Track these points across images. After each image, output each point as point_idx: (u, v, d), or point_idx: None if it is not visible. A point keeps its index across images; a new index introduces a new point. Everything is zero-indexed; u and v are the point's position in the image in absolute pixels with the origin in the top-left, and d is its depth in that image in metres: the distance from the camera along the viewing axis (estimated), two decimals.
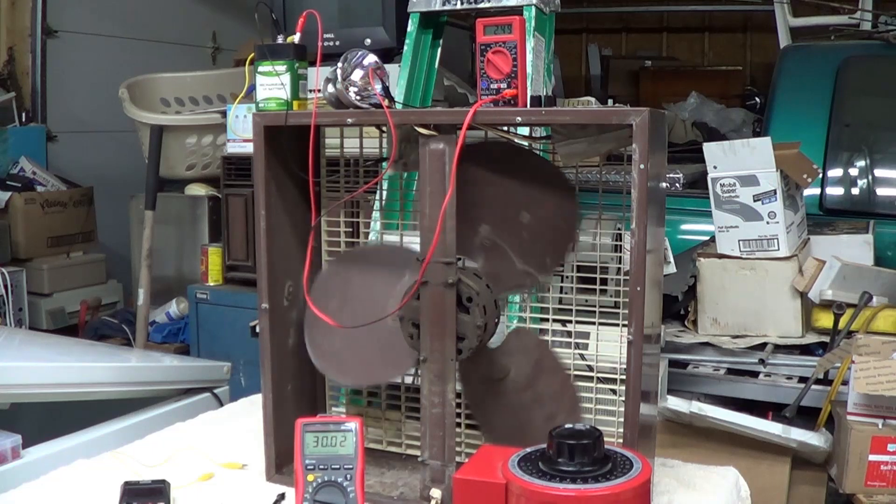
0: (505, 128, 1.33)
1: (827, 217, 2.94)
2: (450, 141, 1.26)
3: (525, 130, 1.40)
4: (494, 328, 1.33)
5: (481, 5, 1.76)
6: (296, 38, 1.41)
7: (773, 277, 2.37)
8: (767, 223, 2.37)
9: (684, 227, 3.01)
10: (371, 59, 1.35)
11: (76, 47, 4.11)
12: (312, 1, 1.83)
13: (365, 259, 1.46)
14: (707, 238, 2.65)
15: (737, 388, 2.31)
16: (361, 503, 1.23)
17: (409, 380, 1.50)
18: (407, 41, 1.85)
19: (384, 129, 1.44)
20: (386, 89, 1.34)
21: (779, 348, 2.35)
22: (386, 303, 1.37)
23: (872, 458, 1.97)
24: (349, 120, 1.34)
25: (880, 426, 1.99)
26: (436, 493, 1.31)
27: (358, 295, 1.42)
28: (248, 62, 1.45)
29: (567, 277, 1.44)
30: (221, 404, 2.14)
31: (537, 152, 1.36)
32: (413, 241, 1.36)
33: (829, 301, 2.28)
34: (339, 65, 1.34)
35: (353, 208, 1.55)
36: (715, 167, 2.43)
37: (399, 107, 1.46)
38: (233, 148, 3.04)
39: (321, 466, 1.23)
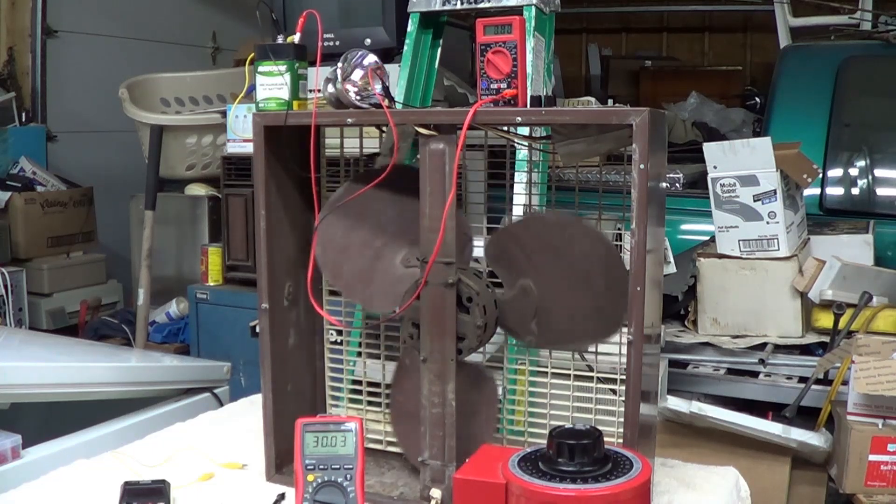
0: (505, 128, 1.33)
1: (827, 217, 2.94)
2: (450, 141, 1.26)
3: (525, 130, 1.40)
4: (494, 328, 1.33)
5: (481, 5, 1.76)
6: (296, 38, 1.41)
7: (773, 277, 2.37)
8: (767, 223, 2.37)
9: (684, 227, 3.01)
10: (371, 59, 1.35)
11: (76, 47, 4.11)
12: (312, 1, 1.83)
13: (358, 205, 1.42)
14: (707, 238, 2.65)
15: (737, 388, 2.31)
16: (361, 503, 1.23)
17: None
18: (407, 41, 1.85)
19: (384, 129, 1.44)
20: (386, 89, 1.34)
21: (779, 348, 2.35)
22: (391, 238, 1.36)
23: (872, 458, 1.97)
24: (349, 120, 1.35)
25: (880, 426, 1.99)
26: (436, 493, 1.31)
27: (361, 240, 1.41)
28: (248, 62, 1.45)
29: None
30: (221, 404, 2.14)
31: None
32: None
33: (829, 301, 2.28)
34: (339, 65, 1.34)
35: None
36: (715, 167, 2.43)
37: (399, 107, 1.46)
38: (233, 148, 3.03)
39: (321, 466, 1.23)
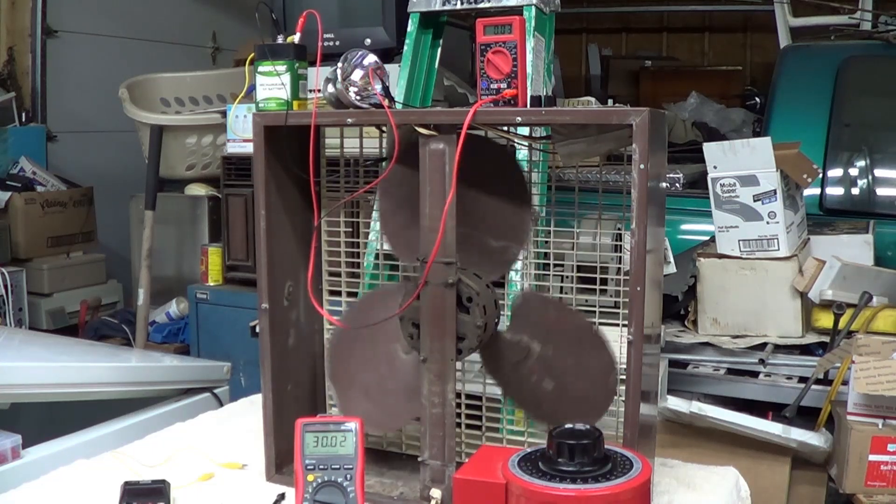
0: (505, 128, 1.33)
1: (827, 217, 2.94)
2: (450, 141, 1.26)
3: (525, 130, 1.40)
4: (494, 328, 1.33)
5: (481, 5, 1.76)
6: (296, 38, 1.41)
7: (773, 277, 2.37)
8: (767, 223, 2.37)
9: (684, 227, 3.01)
10: (371, 59, 1.35)
11: (76, 47, 4.11)
12: (312, 1, 1.83)
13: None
14: (707, 238, 2.65)
15: (737, 388, 2.31)
16: (361, 503, 1.23)
17: None
18: (407, 41, 1.85)
19: (384, 129, 1.44)
20: (386, 89, 1.34)
21: (779, 348, 2.35)
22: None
23: (872, 458, 1.97)
24: (349, 120, 1.34)
25: (880, 426, 1.99)
26: (436, 493, 1.31)
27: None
28: (248, 62, 1.45)
29: (567, 277, 1.44)
30: (221, 404, 2.14)
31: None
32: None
33: (829, 301, 2.28)
34: (339, 65, 1.34)
35: (354, 208, 1.55)
36: (715, 167, 2.43)
37: (399, 107, 1.46)
38: (233, 148, 3.03)
39: (321, 466, 1.23)
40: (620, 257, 1.38)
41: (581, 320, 1.33)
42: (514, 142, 1.42)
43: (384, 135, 1.46)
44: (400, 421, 1.46)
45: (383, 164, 1.50)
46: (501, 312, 1.35)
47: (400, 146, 1.29)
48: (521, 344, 1.34)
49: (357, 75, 1.33)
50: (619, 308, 1.34)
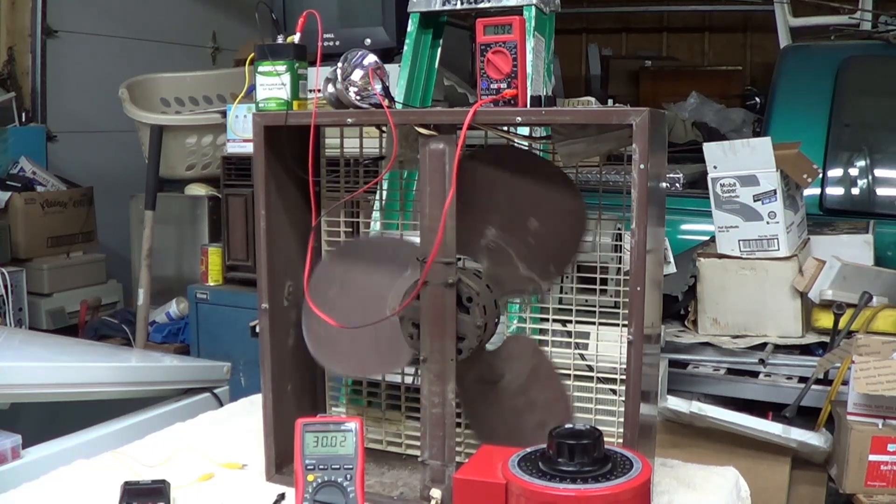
0: (505, 128, 1.33)
1: (827, 217, 2.94)
2: (450, 141, 1.26)
3: (525, 130, 1.40)
4: (494, 328, 1.33)
5: (481, 5, 1.76)
6: (296, 38, 1.41)
7: (773, 277, 2.37)
8: (767, 223, 2.37)
9: (684, 227, 3.01)
10: (371, 59, 1.35)
11: (76, 47, 4.11)
12: (312, 1, 1.83)
13: (367, 249, 1.46)
14: (707, 238, 2.65)
15: (737, 388, 2.30)
16: (361, 503, 1.23)
17: (409, 380, 1.50)
18: (407, 41, 1.85)
19: (384, 129, 1.44)
20: (386, 89, 1.34)
21: (779, 348, 2.35)
22: (386, 295, 1.37)
23: (872, 458, 1.97)
24: (349, 120, 1.35)
25: (880, 426, 1.99)
26: (436, 493, 1.31)
27: (358, 285, 1.41)
28: (248, 62, 1.45)
29: (567, 277, 1.44)
30: (221, 404, 2.14)
31: (549, 158, 1.35)
32: (413, 239, 1.35)
33: (829, 301, 2.28)
34: (339, 65, 1.34)
35: (353, 208, 1.55)
36: (715, 167, 2.43)
37: (399, 107, 1.46)
38: (233, 148, 3.04)
39: (321, 466, 1.23)
40: (620, 257, 1.39)
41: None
42: (514, 142, 1.42)
43: (384, 135, 1.46)
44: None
45: (381, 162, 1.50)
46: (501, 313, 1.35)
47: None
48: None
49: (357, 75, 1.33)
50: (619, 308, 1.34)
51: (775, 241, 2.38)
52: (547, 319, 1.41)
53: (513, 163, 1.32)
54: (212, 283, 3.12)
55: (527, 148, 1.36)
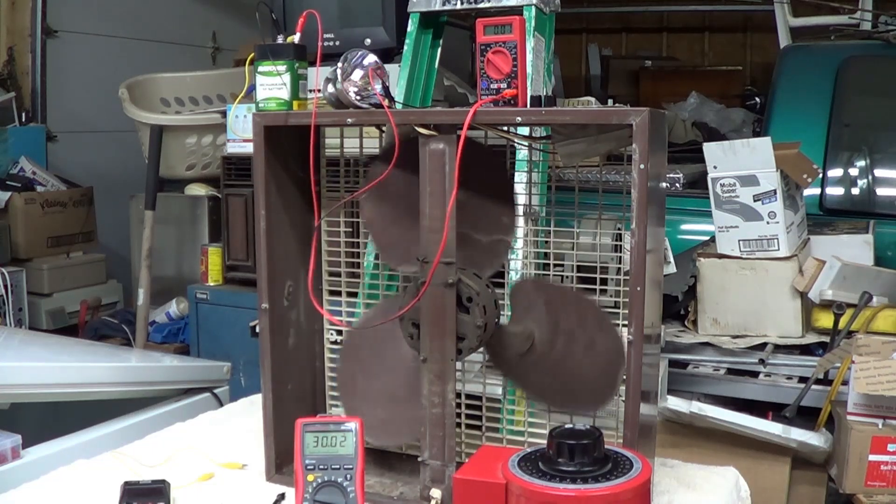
0: (505, 128, 1.33)
1: (827, 217, 2.94)
2: (450, 141, 1.26)
3: (525, 130, 1.40)
4: (495, 328, 1.33)
5: (481, 5, 1.76)
6: (296, 38, 1.41)
7: (773, 277, 2.37)
8: (767, 223, 2.37)
9: (684, 227, 3.01)
10: (371, 59, 1.35)
11: (76, 47, 4.11)
12: (312, 1, 1.83)
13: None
14: (707, 238, 2.65)
15: (737, 388, 2.31)
16: (361, 503, 1.23)
17: None
18: (407, 41, 1.85)
19: (384, 129, 1.44)
20: (386, 89, 1.34)
21: (779, 348, 2.35)
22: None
23: (872, 458, 1.97)
24: (349, 120, 1.35)
25: (880, 426, 1.99)
26: (436, 493, 1.31)
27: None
28: (248, 62, 1.45)
29: (567, 277, 1.44)
30: (221, 404, 2.14)
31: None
32: None
33: (829, 301, 2.28)
34: (339, 65, 1.34)
35: (354, 208, 1.55)
36: (715, 167, 2.43)
37: (399, 107, 1.46)
38: (233, 148, 3.04)
39: (321, 466, 1.23)
40: (620, 257, 1.38)
41: (583, 299, 1.33)
42: (515, 142, 1.42)
43: (384, 135, 1.46)
44: (410, 429, 1.44)
45: (376, 162, 1.50)
46: (502, 312, 1.35)
47: (392, 146, 1.29)
48: (525, 334, 1.33)
49: (357, 75, 1.33)
50: (619, 308, 1.34)
51: (775, 241, 2.38)
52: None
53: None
54: (212, 283, 3.12)
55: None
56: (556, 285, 1.39)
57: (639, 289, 1.18)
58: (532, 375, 1.35)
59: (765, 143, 2.38)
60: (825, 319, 2.32)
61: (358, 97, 1.34)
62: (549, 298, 1.33)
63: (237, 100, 3.03)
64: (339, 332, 1.56)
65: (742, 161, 2.38)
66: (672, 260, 2.23)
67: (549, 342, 1.32)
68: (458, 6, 1.79)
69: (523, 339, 1.33)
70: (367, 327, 1.37)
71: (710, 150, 2.44)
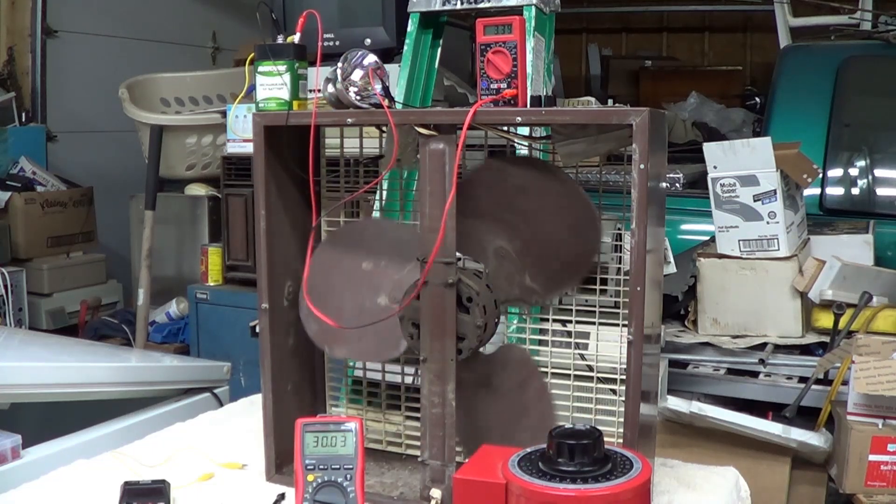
0: (505, 128, 1.33)
1: (827, 217, 2.94)
2: (450, 141, 1.26)
3: (525, 130, 1.40)
4: (494, 328, 1.33)
5: (481, 5, 1.76)
6: (296, 38, 1.41)
7: (773, 277, 2.37)
8: (767, 223, 2.37)
9: (684, 227, 3.01)
10: (371, 59, 1.35)
11: (76, 47, 4.11)
12: (312, 1, 1.83)
13: (366, 233, 1.45)
14: (707, 238, 2.65)
15: (737, 388, 2.30)
16: (361, 503, 1.23)
17: (409, 380, 1.50)
18: (407, 41, 1.85)
19: (384, 129, 1.44)
20: (386, 89, 1.34)
21: (779, 348, 2.35)
22: (384, 278, 1.37)
23: (872, 458, 1.97)
24: (349, 120, 1.35)
25: (880, 426, 1.99)
26: (436, 493, 1.31)
27: (357, 270, 1.41)
28: (248, 62, 1.45)
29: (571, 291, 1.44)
30: (221, 404, 2.14)
31: (571, 177, 1.34)
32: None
33: (829, 301, 2.28)
34: (339, 65, 1.34)
35: (353, 208, 1.55)
36: (715, 167, 2.43)
37: (399, 107, 1.46)
38: (233, 148, 3.04)
39: (321, 466, 1.23)
40: (620, 257, 1.38)
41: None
42: (515, 142, 1.42)
43: (384, 135, 1.46)
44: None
45: (381, 162, 1.50)
46: (501, 313, 1.35)
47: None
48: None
49: (357, 75, 1.33)
50: (619, 308, 1.34)
51: (775, 241, 2.38)
52: (547, 319, 1.41)
53: (535, 174, 1.31)
54: (212, 283, 3.12)
55: (553, 164, 1.34)
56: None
57: (639, 289, 1.18)
58: (544, 278, 1.33)
59: (765, 143, 2.38)
60: (825, 319, 2.32)
61: (358, 97, 1.34)
62: (482, 200, 1.32)
63: (237, 100, 3.03)
64: None
65: (742, 161, 2.38)
66: (672, 260, 2.23)
67: (523, 236, 1.31)
68: (458, 6, 1.79)
69: (508, 264, 1.32)
70: (360, 326, 1.37)
71: (710, 150, 2.44)
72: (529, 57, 1.57)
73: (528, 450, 1.13)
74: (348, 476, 1.23)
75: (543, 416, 1.33)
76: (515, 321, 1.48)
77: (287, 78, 1.39)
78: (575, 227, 1.30)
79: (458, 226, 1.28)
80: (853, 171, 3.06)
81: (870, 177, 3.04)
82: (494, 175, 1.32)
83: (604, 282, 1.37)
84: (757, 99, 4.68)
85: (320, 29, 1.33)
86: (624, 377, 1.24)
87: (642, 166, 1.15)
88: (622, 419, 1.24)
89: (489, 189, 1.30)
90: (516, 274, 1.32)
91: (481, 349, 1.34)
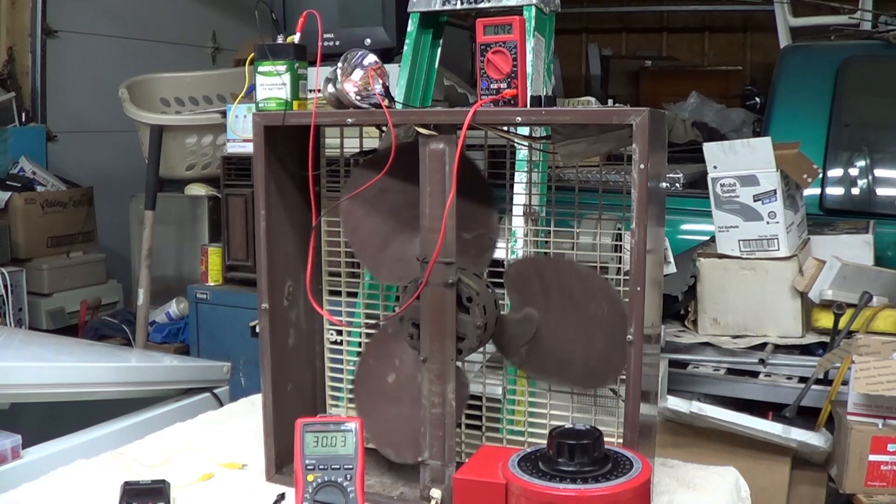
0: (505, 128, 1.33)
1: (827, 217, 2.94)
2: (450, 141, 1.26)
3: (525, 130, 1.40)
4: (494, 328, 1.33)
5: (481, 5, 1.76)
6: (296, 37, 1.41)
7: (773, 277, 2.37)
8: (767, 223, 2.37)
9: (684, 227, 3.01)
10: (371, 59, 1.35)
11: (76, 47, 4.11)
12: (312, 1, 1.83)
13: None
14: (707, 238, 2.65)
15: (737, 388, 2.30)
16: (361, 503, 1.23)
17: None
18: (407, 41, 1.85)
19: (384, 129, 1.44)
20: (386, 89, 1.34)
21: (779, 348, 2.35)
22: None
23: (872, 458, 1.97)
24: (349, 120, 1.35)
25: (880, 426, 1.99)
26: (436, 493, 1.31)
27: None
28: (248, 62, 1.45)
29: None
30: (221, 404, 2.14)
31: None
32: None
33: (829, 301, 2.28)
34: (339, 65, 1.34)
35: None
36: (715, 167, 2.43)
37: (399, 107, 1.46)
38: (233, 148, 3.04)
39: (321, 466, 1.23)
40: (620, 257, 1.38)
41: (579, 268, 1.33)
42: (515, 142, 1.42)
43: (384, 135, 1.46)
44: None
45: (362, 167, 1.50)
46: (501, 311, 1.35)
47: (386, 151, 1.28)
48: (528, 319, 1.33)
49: (357, 75, 1.33)
50: None
51: (775, 241, 2.38)
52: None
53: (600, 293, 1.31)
54: (212, 283, 3.12)
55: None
56: (550, 259, 1.38)
57: (639, 289, 1.18)
58: (542, 359, 1.34)
59: (765, 143, 2.38)
60: (825, 319, 2.32)
61: (358, 97, 1.34)
62: (544, 275, 1.33)
63: (237, 100, 3.03)
64: (339, 332, 1.56)
65: (742, 161, 2.38)
66: (672, 260, 2.23)
67: (552, 322, 1.32)
68: (458, 6, 1.79)
69: (527, 325, 1.33)
70: (364, 328, 1.37)
71: (710, 150, 2.44)
72: (529, 57, 1.57)
73: (528, 450, 1.13)
74: (348, 476, 1.23)
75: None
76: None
77: (287, 78, 1.39)
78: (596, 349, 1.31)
79: (523, 273, 1.29)
80: (853, 171, 3.05)
81: (870, 177, 3.04)
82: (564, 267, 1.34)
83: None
84: (757, 99, 4.67)
85: (320, 29, 1.33)
86: (624, 377, 1.24)
87: (642, 166, 1.15)
88: (622, 419, 1.24)
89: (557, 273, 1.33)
90: (522, 335, 1.33)
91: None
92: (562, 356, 1.33)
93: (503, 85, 1.27)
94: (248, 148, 1.86)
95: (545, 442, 1.11)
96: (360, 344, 1.54)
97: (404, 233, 1.37)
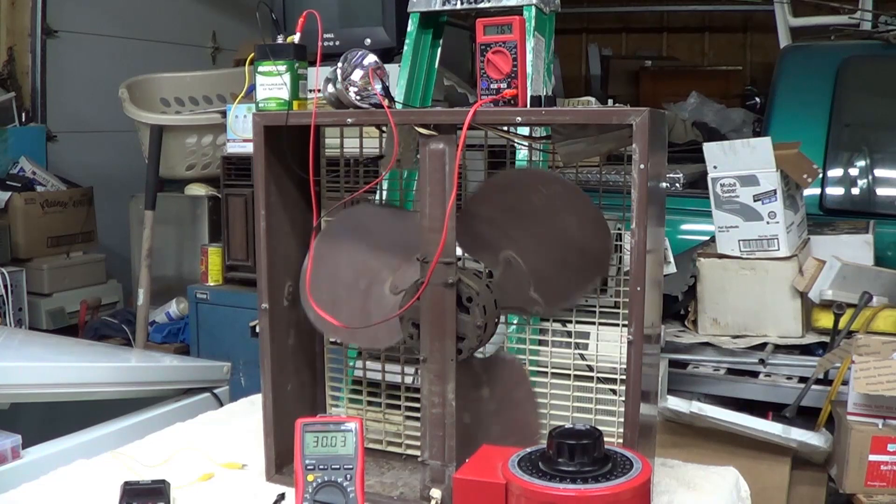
0: (505, 128, 1.33)
1: (827, 217, 2.94)
2: (450, 141, 1.26)
3: (525, 130, 1.40)
4: (494, 328, 1.33)
5: (481, 5, 1.76)
6: (296, 37, 1.41)
7: (773, 277, 2.37)
8: (767, 223, 2.37)
9: (684, 227, 3.01)
10: (371, 59, 1.35)
11: (76, 47, 4.11)
12: (312, 1, 1.83)
13: (367, 219, 1.46)
14: (707, 238, 2.65)
15: (737, 388, 2.30)
16: (361, 503, 1.23)
17: (409, 380, 1.50)
18: (407, 41, 1.85)
19: (384, 129, 1.44)
20: (386, 89, 1.34)
21: (779, 348, 2.35)
22: (383, 265, 1.38)
23: (872, 458, 1.97)
24: (349, 120, 1.35)
25: (880, 426, 1.99)
26: (436, 493, 1.31)
27: (357, 257, 1.42)
28: (248, 62, 1.45)
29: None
30: (221, 404, 2.14)
31: (591, 201, 1.33)
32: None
33: (829, 301, 2.28)
34: (339, 65, 1.34)
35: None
36: (715, 167, 2.43)
37: (399, 107, 1.46)
38: (233, 148, 3.04)
39: (321, 466, 1.23)
40: (620, 257, 1.38)
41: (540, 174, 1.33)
42: (515, 142, 1.42)
43: (384, 135, 1.46)
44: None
45: (381, 162, 1.50)
46: (501, 313, 1.35)
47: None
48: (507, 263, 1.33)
49: (357, 75, 1.33)
50: (619, 308, 1.34)
51: (775, 241, 2.38)
52: (547, 320, 1.41)
53: (553, 188, 1.30)
54: (212, 283, 3.12)
55: (572, 182, 1.34)
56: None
57: (639, 289, 1.18)
58: (548, 292, 1.33)
59: (765, 143, 2.38)
60: (825, 319, 2.32)
61: (358, 97, 1.34)
62: (496, 209, 1.32)
63: (237, 100, 3.03)
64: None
65: (742, 161, 2.38)
66: (672, 260, 2.23)
67: (533, 248, 1.31)
68: (458, 6, 1.79)
69: (516, 274, 1.33)
70: (363, 327, 1.37)
71: (710, 150, 2.44)
72: (529, 57, 1.57)
73: (529, 450, 1.13)
74: (348, 476, 1.23)
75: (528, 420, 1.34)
76: (516, 320, 1.48)
77: (287, 78, 1.39)
78: (587, 251, 1.30)
79: (469, 229, 1.27)
80: (853, 171, 3.05)
81: (870, 177, 3.04)
82: (510, 183, 1.32)
83: (604, 282, 1.37)
84: (757, 99, 4.67)
85: (320, 29, 1.33)
86: (624, 377, 1.24)
87: (642, 166, 1.15)
88: (622, 419, 1.24)
89: (503, 196, 1.30)
90: (522, 283, 1.31)
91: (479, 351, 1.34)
92: (560, 270, 1.32)
93: (503, 85, 1.27)
94: (248, 148, 1.85)
95: (545, 442, 1.11)
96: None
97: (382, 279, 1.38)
